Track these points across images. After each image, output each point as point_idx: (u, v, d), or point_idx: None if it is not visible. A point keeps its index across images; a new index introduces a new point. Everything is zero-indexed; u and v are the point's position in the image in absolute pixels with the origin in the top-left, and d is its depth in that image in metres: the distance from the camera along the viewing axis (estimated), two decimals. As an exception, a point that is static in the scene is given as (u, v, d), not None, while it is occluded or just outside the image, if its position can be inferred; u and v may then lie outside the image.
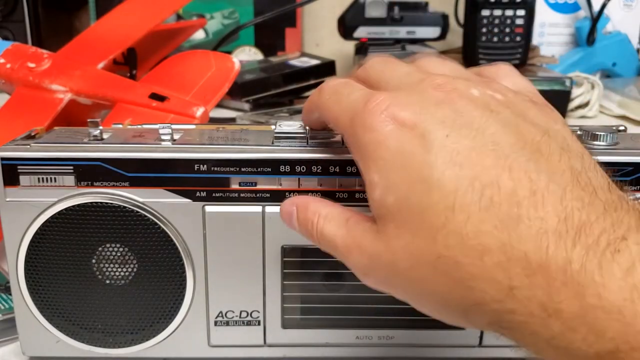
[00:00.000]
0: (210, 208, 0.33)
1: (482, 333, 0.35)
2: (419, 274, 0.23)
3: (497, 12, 0.81)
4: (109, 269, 0.34)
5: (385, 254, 0.24)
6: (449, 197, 0.22)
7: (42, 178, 0.32)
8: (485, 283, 0.21)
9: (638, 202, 0.22)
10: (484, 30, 0.82)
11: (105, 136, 0.34)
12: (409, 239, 0.23)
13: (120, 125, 0.37)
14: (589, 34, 0.93)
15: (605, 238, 0.20)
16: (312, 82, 0.84)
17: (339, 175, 0.32)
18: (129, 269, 0.34)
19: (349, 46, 0.96)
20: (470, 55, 0.84)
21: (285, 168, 0.32)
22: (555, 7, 0.98)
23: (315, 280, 0.35)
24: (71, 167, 0.32)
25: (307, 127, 0.33)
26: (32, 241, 0.33)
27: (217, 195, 0.33)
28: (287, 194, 0.32)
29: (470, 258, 0.21)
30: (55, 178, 0.32)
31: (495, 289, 0.21)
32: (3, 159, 0.32)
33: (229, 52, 0.95)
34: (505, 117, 0.24)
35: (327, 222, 0.27)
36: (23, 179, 0.32)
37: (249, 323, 0.35)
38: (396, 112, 0.24)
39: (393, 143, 0.23)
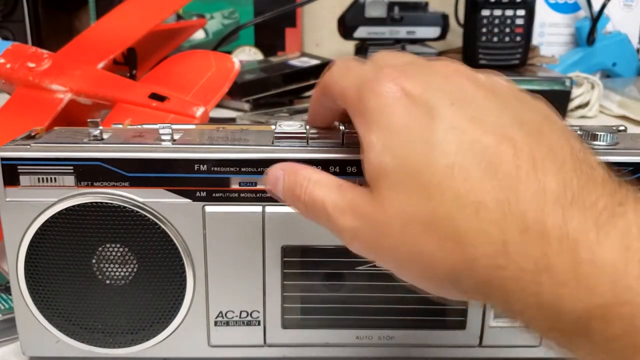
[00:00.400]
0: (210, 208, 0.33)
1: (482, 333, 0.35)
2: (410, 233, 0.23)
3: (497, 12, 0.81)
4: (109, 269, 0.34)
5: (378, 214, 0.24)
6: (449, 157, 0.22)
7: (42, 178, 0.32)
8: (477, 238, 0.22)
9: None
10: (484, 30, 0.82)
11: (105, 136, 0.34)
12: (404, 198, 0.23)
13: (120, 125, 0.37)
14: (589, 34, 0.93)
15: (603, 203, 0.21)
16: (312, 82, 0.84)
17: (339, 175, 0.32)
18: (129, 269, 0.34)
19: (349, 46, 0.96)
20: (470, 55, 0.84)
21: (285, 168, 0.32)
22: (555, 7, 0.98)
23: (315, 280, 0.35)
24: (71, 167, 0.32)
25: (309, 127, 0.33)
26: (32, 241, 0.33)
27: (217, 195, 0.33)
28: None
29: (465, 214, 0.22)
30: (55, 178, 0.32)
31: (487, 244, 0.21)
32: (3, 159, 0.32)
33: (229, 52, 0.95)
34: (508, 101, 0.25)
35: (318, 186, 0.27)
36: (23, 179, 0.32)
37: (249, 323, 0.35)
38: (404, 82, 0.25)
39: (398, 109, 0.24)
